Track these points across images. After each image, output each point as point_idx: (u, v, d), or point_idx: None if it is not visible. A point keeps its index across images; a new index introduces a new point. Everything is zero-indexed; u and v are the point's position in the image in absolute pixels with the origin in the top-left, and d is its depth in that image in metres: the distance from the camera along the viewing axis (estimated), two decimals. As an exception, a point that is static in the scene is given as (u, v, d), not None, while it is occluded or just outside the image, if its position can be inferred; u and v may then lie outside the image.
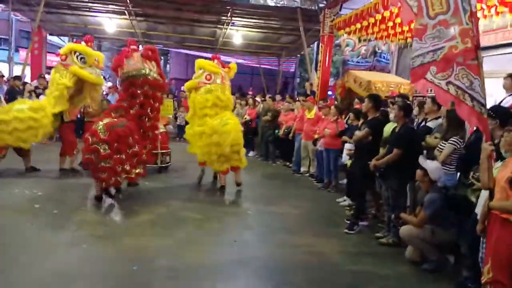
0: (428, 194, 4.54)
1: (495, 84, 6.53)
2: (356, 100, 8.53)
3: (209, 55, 13.30)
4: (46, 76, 13.16)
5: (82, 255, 4.37)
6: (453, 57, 3.43)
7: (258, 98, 13.32)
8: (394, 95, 8.49)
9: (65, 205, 5.97)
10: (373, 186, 6.12)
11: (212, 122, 7.09)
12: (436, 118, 5.62)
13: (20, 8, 14.56)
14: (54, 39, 20.56)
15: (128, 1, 13.30)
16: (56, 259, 4.22)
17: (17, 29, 20.75)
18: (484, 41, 7.74)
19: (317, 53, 15.07)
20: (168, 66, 28.44)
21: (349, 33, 10.85)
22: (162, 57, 23.50)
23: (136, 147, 6.16)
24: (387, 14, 8.71)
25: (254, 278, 4.15)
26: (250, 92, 16.99)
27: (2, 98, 9.91)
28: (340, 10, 11.19)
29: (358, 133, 5.96)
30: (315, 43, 16.72)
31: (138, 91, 6.34)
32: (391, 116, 5.91)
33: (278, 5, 23.18)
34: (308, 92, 12.01)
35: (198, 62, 7.56)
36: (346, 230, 5.61)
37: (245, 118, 11.53)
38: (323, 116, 8.42)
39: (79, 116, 9.32)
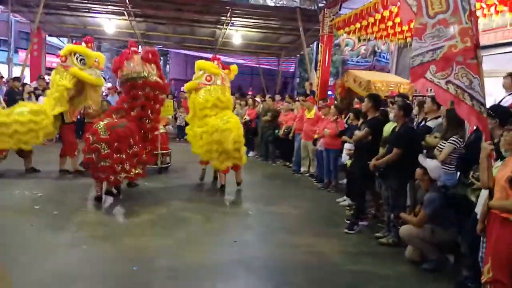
0: (427, 193, 4.54)
1: (495, 83, 6.52)
2: (356, 99, 8.54)
3: (209, 56, 13.34)
4: (46, 77, 13.18)
5: (82, 256, 4.37)
6: (452, 56, 3.43)
7: (257, 98, 13.32)
8: (393, 94, 8.49)
9: (65, 206, 5.97)
10: (373, 186, 6.12)
11: (213, 121, 7.11)
12: (436, 118, 5.62)
13: (19, 9, 14.57)
14: (53, 40, 20.57)
15: (127, 2, 13.30)
16: (56, 259, 4.22)
17: (16, 30, 20.78)
18: (483, 40, 7.73)
19: (317, 53, 15.07)
20: (167, 66, 28.45)
21: (348, 33, 10.85)
22: (161, 58, 23.47)
23: (136, 147, 6.17)
24: (386, 13, 8.72)
25: (254, 278, 4.15)
26: (250, 92, 16.98)
27: (2, 99, 9.93)
28: (339, 9, 11.20)
29: (357, 133, 5.96)
30: (315, 43, 16.72)
31: (139, 93, 6.37)
32: (391, 115, 5.91)
33: (278, 5, 23.19)
34: (308, 92, 12.00)
35: (198, 63, 7.57)
36: (346, 230, 5.61)
37: (245, 118, 11.52)
38: (322, 116, 8.42)
39: (79, 117, 9.31)
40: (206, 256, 4.52)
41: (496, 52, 8.23)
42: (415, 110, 6.64)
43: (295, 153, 9.71)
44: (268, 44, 17.90)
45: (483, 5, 7.05)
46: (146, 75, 6.41)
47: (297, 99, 11.21)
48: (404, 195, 5.21)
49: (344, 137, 7.04)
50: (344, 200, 6.99)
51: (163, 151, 8.54)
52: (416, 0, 3.67)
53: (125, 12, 14.33)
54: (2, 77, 11.58)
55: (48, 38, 18.84)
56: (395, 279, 4.27)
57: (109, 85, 18.91)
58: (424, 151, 5.16)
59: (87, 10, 14.88)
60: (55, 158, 7.99)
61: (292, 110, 10.48)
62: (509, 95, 5.77)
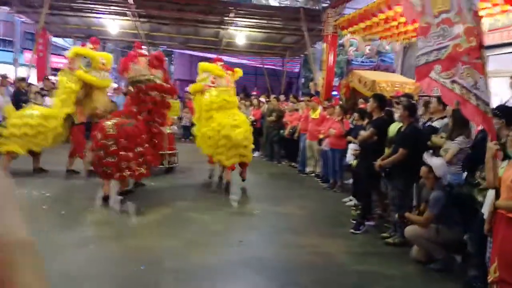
0: (433, 192, 4.53)
1: (501, 83, 6.51)
2: (361, 100, 8.54)
3: (213, 56, 13.37)
4: (51, 77, 13.22)
5: (89, 256, 4.40)
6: (457, 55, 3.43)
7: (262, 99, 13.33)
8: (399, 94, 8.47)
9: (72, 206, 6.01)
10: (378, 186, 6.12)
11: (220, 118, 7.16)
12: (442, 118, 5.61)
13: (24, 11, 14.62)
14: (58, 40, 20.65)
15: (131, 2, 13.33)
16: (63, 259, 4.25)
17: (21, 31, 20.85)
18: (489, 40, 7.74)
19: (321, 53, 15.05)
20: (172, 67, 28.48)
21: (353, 33, 10.83)
22: (166, 58, 23.49)
23: (143, 147, 6.23)
24: (391, 13, 8.69)
25: (260, 279, 4.16)
26: (254, 93, 16.98)
27: (9, 100, 10.00)
28: (343, 9, 11.19)
29: (363, 133, 5.96)
30: (319, 43, 16.69)
31: (147, 98, 6.43)
32: (396, 116, 5.90)
33: (281, 5, 23.18)
34: (313, 92, 12.00)
35: (202, 65, 7.59)
36: (352, 230, 5.61)
37: (250, 118, 11.53)
38: (327, 116, 8.43)
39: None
40: (212, 257, 4.54)
41: (502, 52, 8.19)
42: (420, 110, 6.64)
43: (300, 153, 9.72)
44: (272, 44, 17.88)
45: (488, 4, 7.02)
46: (151, 78, 6.48)
47: (301, 99, 11.21)
48: (410, 195, 5.21)
49: (349, 137, 7.04)
50: (350, 200, 6.99)
51: (169, 152, 8.57)
52: (420, -1, 3.68)
53: (129, 13, 14.36)
54: (7, 78, 11.63)
55: (53, 39, 18.91)
56: (401, 279, 4.27)
57: (115, 85, 18.96)
58: (430, 151, 5.16)
59: (90, 11, 14.91)
60: (63, 159, 8.03)
61: (297, 110, 10.49)
62: (515, 94, 5.77)
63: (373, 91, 8.65)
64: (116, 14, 14.99)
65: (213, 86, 7.31)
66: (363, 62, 16.85)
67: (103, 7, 14.43)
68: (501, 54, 8.20)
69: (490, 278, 3.23)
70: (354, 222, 5.79)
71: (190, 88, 7.93)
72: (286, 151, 11.01)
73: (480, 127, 4.56)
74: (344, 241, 5.28)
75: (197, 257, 4.49)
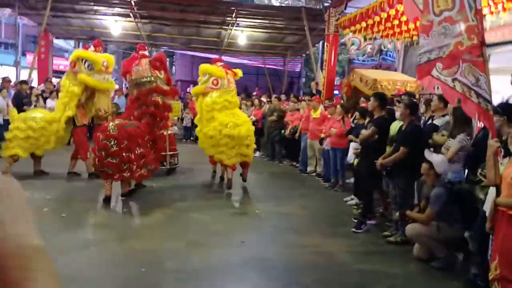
0: (434, 189, 4.51)
1: (503, 81, 6.47)
2: (362, 99, 8.52)
3: (215, 56, 13.35)
4: (53, 80, 13.24)
5: (90, 258, 4.40)
6: (459, 53, 3.42)
7: (263, 98, 13.32)
8: (400, 93, 8.45)
9: (73, 208, 6.01)
10: (380, 184, 6.10)
11: (222, 117, 7.19)
12: (443, 116, 5.59)
13: (26, 13, 14.67)
14: (60, 42, 20.70)
15: (133, 4, 13.36)
16: (64, 262, 4.23)
17: (23, 33, 20.95)
18: (491, 38, 7.70)
19: (323, 52, 15.04)
20: (173, 68, 28.52)
21: (354, 32, 10.81)
22: (167, 59, 23.55)
23: (144, 148, 6.25)
24: (392, 12, 8.67)
25: (262, 279, 4.15)
26: (255, 93, 16.98)
27: (10, 103, 10.02)
28: (345, 9, 11.16)
29: (364, 132, 5.94)
30: (321, 42, 16.68)
31: (148, 100, 6.46)
32: (397, 114, 5.88)
33: (283, 5, 23.16)
34: (314, 92, 11.98)
35: (203, 67, 7.58)
36: (353, 229, 5.60)
37: (251, 118, 11.52)
38: (329, 116, 8.41)
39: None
40: (214, 257, 4.54)
41: (504, 49, 8.15)
42: (422, 108, 6.61)
43: (301, 153, 9.70)
44: (273, 44, 17.88)
45: (490, 2, 6.98)
46: (154, 79, 6.50)
47: (302, 98, 11.19)
48: (411, 193, 5.19)
49: (351, 136, 7.03)
50: (352, 199, 6.97)
51: (171, 152, 8.58)
52: (422, -3, 3.66)
53: (131, 14, 14.39)
54: (10, 81, 11.65)
55: (55, 41, 18.95)
56: (403, 278, 4.26)
57: (116, 86, 18.97)
58: (431, 149, 5.14)
59: (93, 13, 14.95)
60: (64, 161, 8.05)
61: (298, 110, 10.48)
62: (517, 92, 5.72)
63: (375, 90, 8.63)
64: (118, 16, 15.02)
65: (215, 88, 7.32)
66: (364, 61, 16.79)
67: (105, 8, 14.47)
68: (503, 52, 8.16)
69: (491, 276, 3.21)
70: (356, 221, 5.78)
71: (193, 91, 7.94)
72: (287, 151, 11.00)
73: (481, 125, 4.55)
74: (346, 240, 5.27)
75: (198, 258, 4.48)
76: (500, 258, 3.12)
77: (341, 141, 7.63)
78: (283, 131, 10.65)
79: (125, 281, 3.95)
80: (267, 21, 15.03)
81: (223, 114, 7.22)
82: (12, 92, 11.12)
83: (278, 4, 22.78)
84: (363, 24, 9.70)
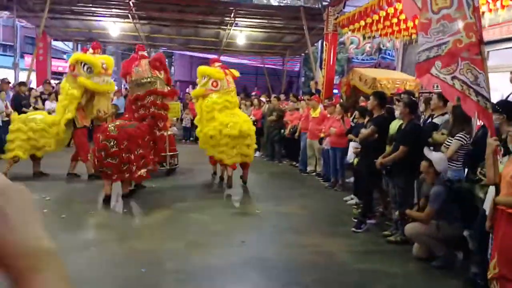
0: (433, 187, 4.50)
1: (501, 78, 6.47)
2: (362, 98, 8.51)
3: (214, 57, 13.33)
4: (52, 81, 13.21)
5: (90, 259, 4.39)
6: (457, 51, 3.41)
7: (262, 98, 13.31)
8: (399, 92, 8.44)
9: (73, 209, 6.01)
10: (380, 184, 6.09)
11: (222, 117, 7.21)
12: (443, 114, 5.58)
13: (24, 15, 14.65)
14: (59, 44, 20.70)
15: (132, 5, 13.34)
16: (65, 263, 4.22)
17: (22, 35, 20.93)
18: (489, 35, 7.69)
19: (322, 51, 15.03)
20: (172, 68, 28.50)
21: (353, 31, 10.80)
22: (166, 60, 23.53)
23: (144, 149, 6.26)
24: (391, 10, 8.66)
25: (262, 279, 4.14)
26: (254, 93, 16.98)
27: (9, 105, 10.01)
28: (343, 7, 11.15)
29: (363, 131, 5.93)
30: (320, 42, 16.67)
31: (148, 103, 6.47)
32: (397, 113, 5.87)
33: (281, 4, 23.15)
34: (313, 91, 11.97)
35: (201, 69, 7.58)
36: (353, 229, 5.59)
37: (251, 118, 11.51)
38: (328, 115, 8.40)
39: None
40: (214, 257, 4.52)
41: (502, 47, 8.14)
42: (421, 107, 6.60)
43: (301, 153, 9.69)
44: (272, 43, 17.87)
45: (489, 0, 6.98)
46: (154, 80, 6.51)
47: (301, 98, 11.19)
48: (411, 192, 5.18)
49: (350, 136, 7.02)
50: (352, 199, 6.96)
51: (171, 153, 8.57)
52: (421, -5, 3.65)
53: (129, 15, 14.37)
54: (9, 82, 11.64)
55: (54, 43, 18.95)
56: (403, 278, 4.25)
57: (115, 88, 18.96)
58: (431, 147, 5.13)
59: (91, 14, 14.95)
60: (63, 162, 8.04)
61: (298, 109, 10.47)
62: (516, 90, 5.72)
63: (374, 89, 8.63)
64: (116, 17, 15.01)
65: (215, 90, 7.33)
66: (363, 59, 16.82)
67: (103, 10, 14.46)
68: (501, 49, 8.15)
69: (489, 275, 3.20)
70: (356, 220, 5.77)
71: (192, 93, 7.96)
72: (287, 150, 11.00)
73: (480, 123, 4.54)
74: (346, 240, 5.26)
75: (199, 258, 4.47)
76: (499, 257, 3.11)
77: (340, 140, 7.62)
78: (282, 130, 10.64)
79: (125, 281, 3.94)
80: (266, 21, 15.03)
81: (223, 114, 7.23)
82: (11, 94, 11.11)
83: (276, 4, 22.79)
84: (362, 22, 9.69)
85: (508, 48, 8.02)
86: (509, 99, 5.32)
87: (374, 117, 5.92)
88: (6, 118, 9.53)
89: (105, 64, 7.49)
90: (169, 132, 8.47)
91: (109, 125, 6.21)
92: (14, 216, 0.58)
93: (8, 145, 7.41)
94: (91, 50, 7.63)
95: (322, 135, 8.44)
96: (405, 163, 4.99)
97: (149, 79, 6.53)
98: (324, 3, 12.14)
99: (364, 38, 15.28)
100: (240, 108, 11.32)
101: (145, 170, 6.43)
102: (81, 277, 3.93)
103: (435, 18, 3.54)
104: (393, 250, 4.95)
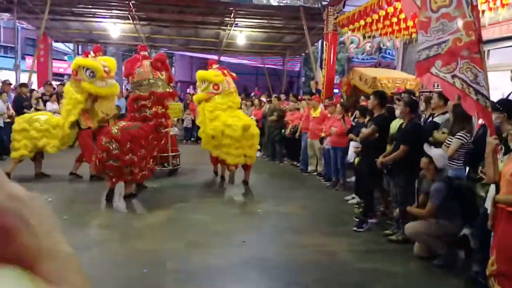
0: (434, 184, 4.49)
1: (501, 77, 6.47)
2: (362, 97, 8.51)
3: (214, 57, 13.35)
4: (53, 82, 13.22)
5: (91, 259, 4.39)
6: (457, 50, 3.41)
7: (263, 98, 13.31)
8: (400, 91, 8.44)
9: (74, 211, 6.01)
10: (381, 183, 6.09)
11: (224, 117, 7.23)
12: (443, 113, 5.58)
13: (25, 17, 14.68)
14: (59, 45, 20.71)
15: (132, 6, 13.36)
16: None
17: (22, 37, 20.94)
18: (490, 34, 7.70)
19: (322, 51, 15.03)
20: (173, 69, 28.53)
21: (353, 30, 10.81)
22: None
23: (148, 149, 6.30)
24: (391, 10, 8.66)
25: (263, 279, 4.14)
26: (253, 93, 16.98)
27: (10, 106, 10.03)
28: (343, 7, 11.16)
29: (364, 131, 5.93)
30: (320, 41, 16.67)
31: (149, 103, 6.49)
32: (397, 112, 5.87)
33: (281, 4, 23.15)
34: (314, 91, 11.97)
35: (200, 74, 7.62)
36: (354, 228, 5.59)
37: (251, 118, 11.52)
38: (329, 115, 8.40)
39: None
40: (215, 257, 4.53)
41: (503, 45, 8.14)
42: (422, 106, 6.60)
43: (302, 152, 9.70)
44: (272, 43, 17.87)
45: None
46: (154, 81, 6.53)
47: (301, 97, 11.20)
48: (412, 191, 5.18)
49: (351, 135, 7.02)
50: (353, 198, 6.96)
51: (173, 153, 8.59)
52: (420, -7, 3.65)
53: (129, 16, 14.39)
54: (10, 84, 11.66)
55: (54, 44, 18.96)
56: (404, 277, 4.25)
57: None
58: (432, 146, 5.14)
59: (92, 15, 14.97)
60: (65, 163, 8.06)
61: (298, 109, 10.47)
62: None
63: (374, 88, 8.63)
64: (117, 18, 15.03)
65: (217, 93, 7.37)
66: (363, 59, 16.80)
67: (104, 11, 14.48)
68: (502, 48, 8.15)
69: (488, 271, 3.21)
70: (357, 220, 5.77)
71: (194, 98, 8.01)
72: (287, 150, 11.00)
73: (481, 122, 4.54)
74: (347, 240, 5.25)
75: (200, 258, 4.47)
76: (498, 255, 3.12)
77: (341, 140, 7.62)
78: (283, 130, 10.65)
79: (127, 281, 3.95)
80: (266, 21, 15.04)
81: (226, 114, 7.26)
82: (12, 95, 11.14)
83: (276, 4, 22.79)
84: (362, 22, 9.70)
85: (508, 46, 8.03)
86: (509, 98, 5.32)
87: (375, 116, 5.92)
88: (8, 120, 9.56)
89: (107, 67, 7.47)
90: (172, 133, 8.50)
91: (113, 128, 6.23)
92: (36, 223, 0.63)
93: (13, 144, 7.45)
94: (92, 54, 7.62)
95: (322, 134, 8.45)
96: (406, 162, 4.99)
97: (150, 81, 6.54)
98: (324, 3, 12.14)
99: (364, 37, 15.29)
100: (240, 108, 11.38)
101: (147, 169, 6.46)
102: (83, 277, 3.94)
103: (434, 16, 3.54)
104: (394, 249, 4.95)
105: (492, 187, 3.49)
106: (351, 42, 16.79)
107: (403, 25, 9.60)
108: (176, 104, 9.22)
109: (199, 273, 4.15)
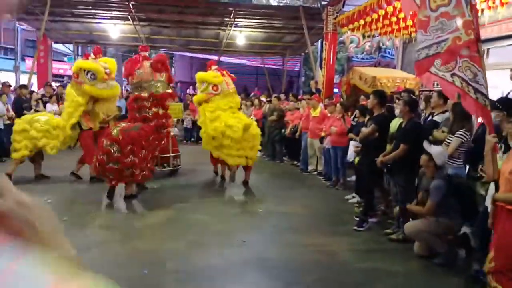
0: (433, 181, 4.49)
1: (501, 75, 6.47)
2: (362, 97, 8.51)
3: (214, 57, 13.35)
4: (53, 84, 13.23)
5: (92, 259, 4.38)
6: (457, 49, 3.42)
7: (263, 98, 13.31)
8: (400, 90, 8.45)
9: (74, 212, 6.01)
10: (381, 182, 6.09)
11: (225, 117, 7.24)
12: (443, 112, 5.58)
13: (25, 18, 14.70)
14: (59, 47, 20.73)
15: (131, 7, 13.37)
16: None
17: (22, 38, 20.95)
18: (489, 33, 7.70)
19: (321, 51, 15.03)
20: (173, 69, 28.55)
21: (352, 30, 10.81)
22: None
23: (149, 149, 6.32)
24: (390, 9, 8.67)
25: (263, 279, 4.14)
26: (253, 93, 16.99)
27: (10, 108, 10.04)
28: (343, 7, 11.16)
29: (364, 130, 5.94)
30: (319, 41, 16.68)
31: (149, 104, 6.50)
32: (397, 111, 5.87)
33: (281, 4, 23.16)
34: (314, 90, 11.98)
35: (199, 76, 7.64)
36: (355, 228, 5.59)
37: (251, 118, 11.53)
38: (328, 114, 8.41)
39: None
40: (216, 257, 4.53)
41: (502, 44, 8.15)
42: (421, 105, 6.60)
43: (302, 152, 9.70)
44: (272, 43, 17.88)
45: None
46: (154, 83, 6.53)
47: (301, 97, 11.20)
48: (412, 190, 5.18)
49: (351, 135, 7.03)
50: (353, 197, 6.96)
51: (173, 154, 8.59)
52: (419, -8, 3.66)
53: (129, 17, 14.40)
54: (10, 85, 11.67)
55: (54, 45, 18.97)
56: (405, 276, 4.25)
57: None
58: (431, 144, 5.13)
59: (91, 16, 14.98)
60: (64, 165, 8.06)
61: (298, 109, 10.48)
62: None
63: (374, 88, 8.64)
64: (116, 19, 15.04)
65: (217, 93, 7.38)
66: (363, 58, 16.79)
67: (103, 12, 14.49)
68: (501, 46, 8.16)
69: (486, 268, 3.21)
70: (357, 219, 5.77)
71: (194, 99, 8.02)
72: (288, 150, 11.01)
73: (480, 120, 4.54)
74: (347, 239, 5.25)
75: (200, 258, 4.48)
76: (497, 252, 3.12)
77: (341, 139, 7.63)
78: (283, 130, 10.66)
79: (128, 281, 3.93)
80: (265, 21, 15.04)
81: (227, 114, 7.26)
82: (12, 97, 11.15)
83: (276, 4, 22.79)
84: (361, 21, 9.70)
85: (507, 45, 8.03)
86: (509, 96, 5.33)
87: (375, 115, 5.92)
88: (8, 122, 9.57)
89: (108, 68, 7.46)
90: (172, 133, 8.51)
91: (113, 129, 6.23)
92: (43, 229, 0.67)
93: (14, 145, 7.47)
94: (92, 56, 7.62)
95: (322, 134, 8.45)
96: (406, 161, 4.99)
97: (150, 82, 6.54)
98: (323, 3, 12.14)
99: (363, 37, 15.29)
100: (240, 108, 11.38)
101: (148, 170, 6.46)
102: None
103: (433, 15, 3.55)
104: (394, 248, 4.94)
105: (492, 186, 3.50)
106: (351, 42, 16.79)
107: (402, 25, 9.60)
108: (176, 105, 9.24)
109: (199, 273, 4.15)
